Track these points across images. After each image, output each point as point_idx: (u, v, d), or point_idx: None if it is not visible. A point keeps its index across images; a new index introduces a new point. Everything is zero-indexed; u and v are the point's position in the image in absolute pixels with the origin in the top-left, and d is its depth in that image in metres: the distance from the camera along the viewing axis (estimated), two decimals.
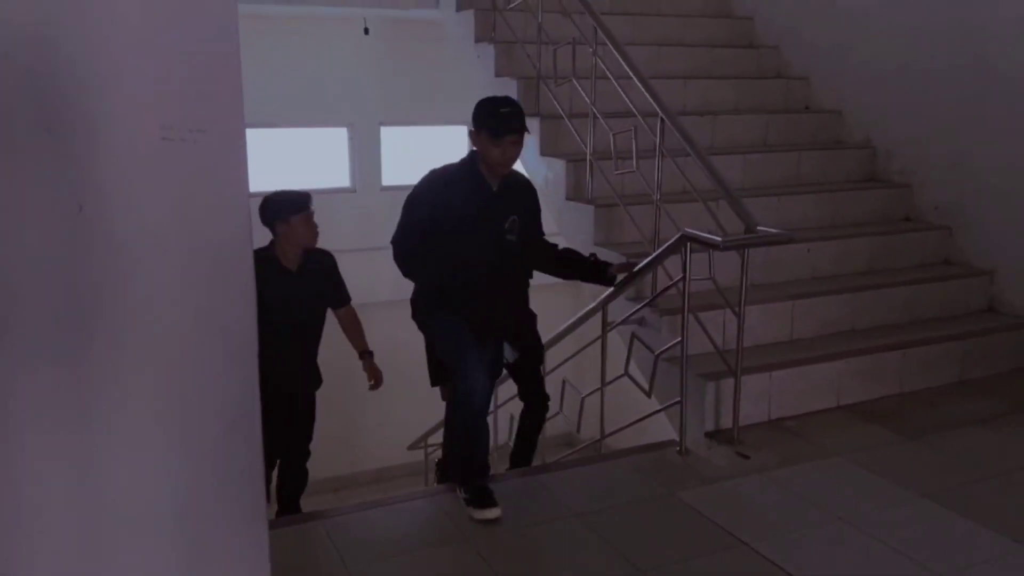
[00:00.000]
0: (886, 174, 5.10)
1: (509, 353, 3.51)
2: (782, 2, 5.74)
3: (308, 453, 3.93)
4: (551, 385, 3.82)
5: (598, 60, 4.12)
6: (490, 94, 3.21)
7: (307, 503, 3.98)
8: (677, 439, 3.46)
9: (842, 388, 3.82)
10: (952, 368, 4.09)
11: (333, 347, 3.99)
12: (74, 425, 1.26)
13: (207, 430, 1.29)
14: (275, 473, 3.82)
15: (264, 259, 3.21)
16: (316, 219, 3.66)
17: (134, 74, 1.14)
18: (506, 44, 4.87)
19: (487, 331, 3.20)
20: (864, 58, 5.14)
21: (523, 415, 3.82)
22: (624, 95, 3.95)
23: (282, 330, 3.38)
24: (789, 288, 4.20)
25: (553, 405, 3.92)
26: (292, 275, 3.62)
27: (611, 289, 3.73)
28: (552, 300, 3.76)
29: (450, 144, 8.32)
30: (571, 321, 4.18)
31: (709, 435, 3.48)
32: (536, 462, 3.89)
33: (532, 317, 3.58)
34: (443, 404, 3.47)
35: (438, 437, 5.79)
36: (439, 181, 3.12)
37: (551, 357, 4.00)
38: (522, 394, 3.77)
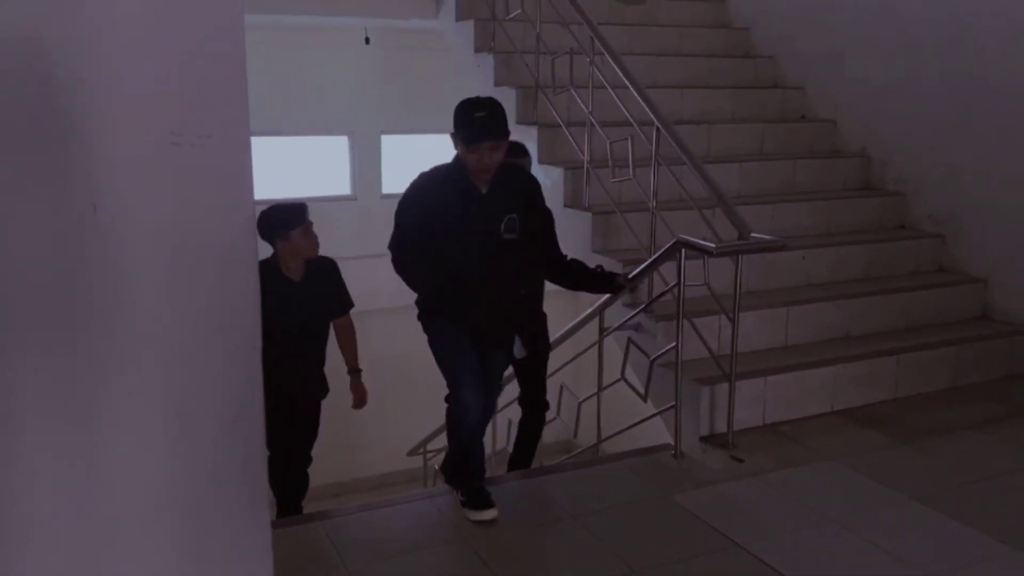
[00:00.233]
0: (881, 183, 5.15)
1: (518, 349, 3.49)
2: (778, 13, 5.81)
3: (310, 459, 3.97)
4: (549, 389, 3.86)
5: (595, 70, 4.18)
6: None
7: (307, 508, 4.01)
8: (672, 443, 3.50)
9: (837, 393, 3.86)
10: (946, 374, 4.14)
11: (334, 353, 4.03)
12: (77, 420, 1.30)
13: (209, 426, 1.33)
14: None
15: (267, 270, 3.23)
16: (317, 227, 3.71)
17: (145, 82, 1.19)
18: (505, 54, 4.93)
19: (488, 337, 3.12)
20: (859, 69, 5.20)
21: (522, 422, 3.86)
22: (621, 104, 4.01)
23: (288, 339, 3.40)
24: (785, 295, 4.25)
25: (551, 410, 3.96)
26: (296, 285, 3.67)
27: (608, 295, 3.78)
28: (550, 306, 3.79)
29: (449, 153, 8.35)
30: (569, 327, 4.23)
31: (704, 439, 3.52)
32: (534, 467, 3.94)
33: (542, 317, 3.59)
34: (442, 409, 3.50)
35: (437, 443, 5.84)
36: (426, 185, 3.03)
37: (550, 362, 4.03)
38: (523, 398, 3.81)
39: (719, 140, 5.09)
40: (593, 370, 4.03)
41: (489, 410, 3.26)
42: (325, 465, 4.44)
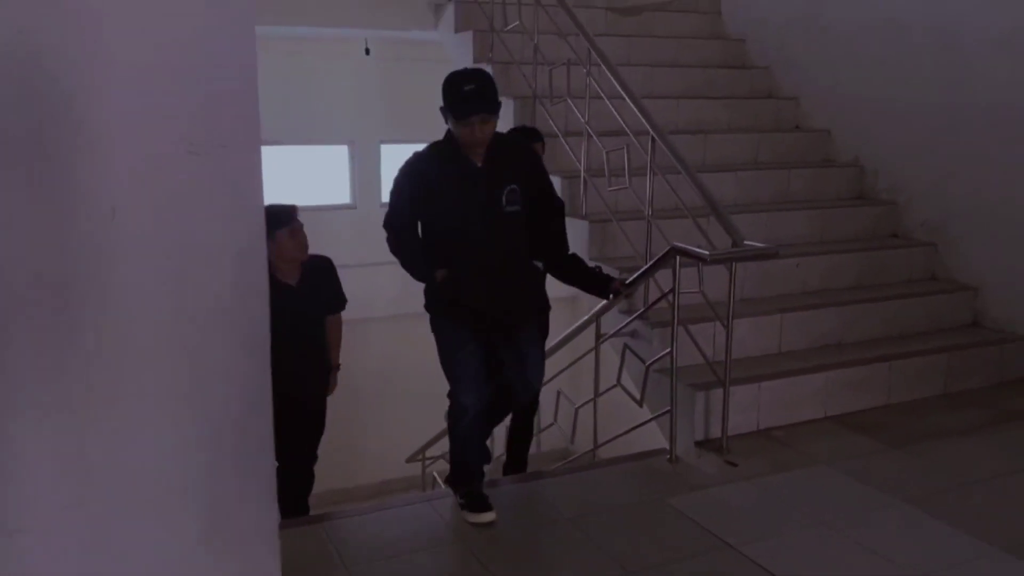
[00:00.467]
0: (874, 192, 5.22)
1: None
2: (773, 26, 5.89)
3: (315, 457, 3.97)
4: (546, 395, 3.90)
5: (592, 80, 4.26)
6: None
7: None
8: (668, 447, 3.55)
9: (829, 399, 3.92)
10: (937, 380, 4.20)
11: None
12: (97, 414, 1.37)
13: (224, 412, 1.40)
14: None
15: None
16: (317, 235, 3.74)
17: (164, 96, 1.26)
18: (503, 64, 5.00)
19: (489, 317, 3.00)
20: (852, 80, 5.28)
21: (513, 420, 3.90)
22: (617, 114, 4.08)
23: (287, 342, 3.45)
24: (779, 302, 4.31)
25: (548, 416, 4.03)
26: (292, 289, 3.70)
27: (605, 301, 3.83)
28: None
29: None
30: (566, 333, 4.29)
31: (699, 444, 3.58)
32: (530, 471, 3.99)
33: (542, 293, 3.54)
34: (441, 416, 3.55)
35: (436, 449, 5.89)
36: (419, 161, 2.95)
37: (547, 367, 4.09)
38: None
39: (715, 150, 5.17)
40: (590, 376, 4.08)
41: (524, 402, 3.16)
42: (324, 472, 4.49)
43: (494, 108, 2.86)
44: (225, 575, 1.46)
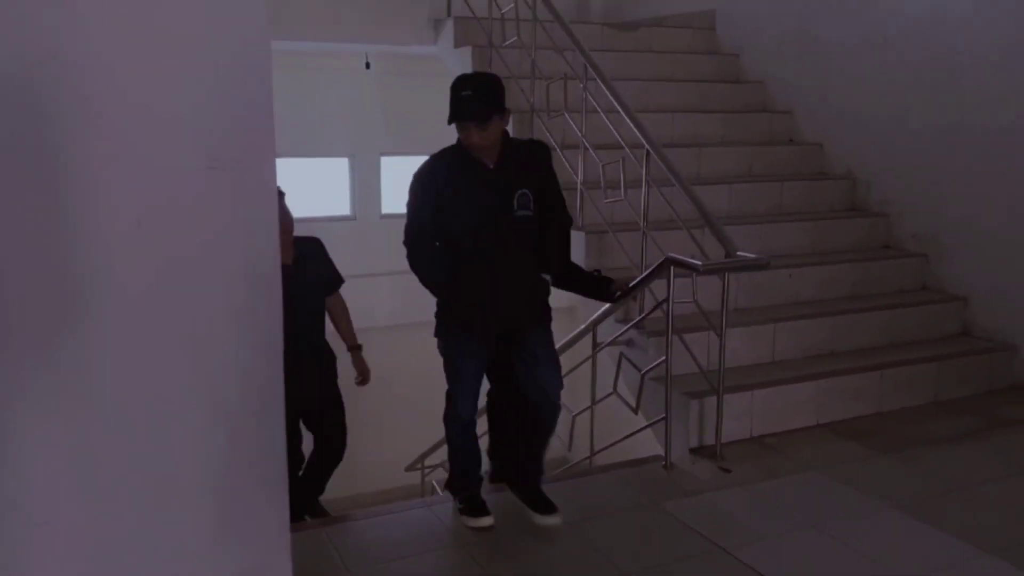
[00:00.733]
0: (866, 204, 5.31)
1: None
2: (767, 41, 6.00)
3: (329, 438, 3.90)
4: None
5: (588, 95, 4.35)
6: None
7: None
8: (662, 454, 3.62)
9: (821, 407, 3.99)
10: (928, 389, 4.27)
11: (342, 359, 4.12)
12: (115, 411, 1.45)
13: (240, 409, 1.48)
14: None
15: None
16: (317, 233, 3.79)
17: (187, 112, 1.34)
18: (502, 79, 5.08)
19: (497, 321, 2.99)
20: (844, 94, 5.38)
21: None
22: (612, 128, 4.16)
23: (288, 320, 3.47)
24: (772, 312, 4.39)
25: None
26: (288, 268, 3.72)
27: (603, 309, 3.90)
28: None
29: None
30: (563, 342, 4.35)
31: (693, 450, 3.64)
32: None
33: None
34: (440, 424, 3.59)
35: (435, 458, 5.94)
36: (432, 164, 2.95)
37: None
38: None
39: (709, 163, 5.25)
40: (586, 384, 4.15)
41: (544, 410, 3.09)
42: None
43: (484, 119, 2.82)
44: (238, 569, 1.53)
